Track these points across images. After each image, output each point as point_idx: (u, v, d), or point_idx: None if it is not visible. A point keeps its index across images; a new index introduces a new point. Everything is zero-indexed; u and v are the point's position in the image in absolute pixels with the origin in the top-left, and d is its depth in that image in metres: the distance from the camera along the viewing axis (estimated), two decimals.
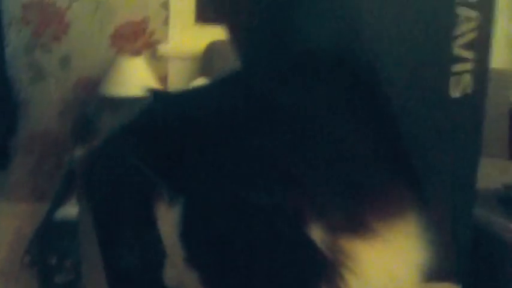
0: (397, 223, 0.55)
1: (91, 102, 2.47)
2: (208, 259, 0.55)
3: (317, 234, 0.52)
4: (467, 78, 0.62)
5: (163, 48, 2.48)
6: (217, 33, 2.48)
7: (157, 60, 2.48)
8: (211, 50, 2.41)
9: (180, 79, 2.48)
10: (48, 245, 1.43)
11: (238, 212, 0.53)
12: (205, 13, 2.61)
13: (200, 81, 2.26)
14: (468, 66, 0.62)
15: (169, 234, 0.57)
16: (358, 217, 0.54)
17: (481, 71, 0.63)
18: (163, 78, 2.48)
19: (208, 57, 2.42)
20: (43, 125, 2.51)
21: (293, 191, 0.53)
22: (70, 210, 1.57)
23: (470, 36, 0.61)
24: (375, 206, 0.55)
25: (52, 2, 2.40)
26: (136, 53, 2.45)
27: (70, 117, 2.49)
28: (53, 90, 2.48)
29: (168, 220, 0.56)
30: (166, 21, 2.47)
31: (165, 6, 2.45)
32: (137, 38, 2.47)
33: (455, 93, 0.62)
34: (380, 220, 0.54)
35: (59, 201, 1.68)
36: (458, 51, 0.61)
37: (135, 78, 2.26)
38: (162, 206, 0.57)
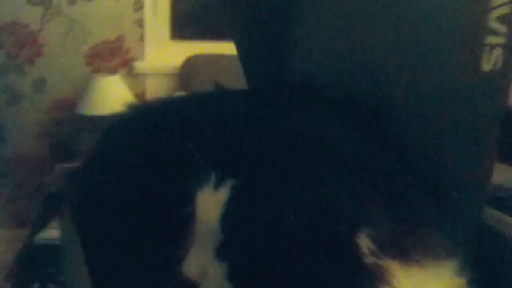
0: (432, 249, 0.54)
1: (68, 123, 2.45)
2: (245, 249, 0.52)
3: (365, 242, 0.50)
4: (498, 52, 0.62)
5: (140, 65, 2.47)
6: (193, 48, 2.50)
7: (134, 78, 2.48)
8: (189, 65, 2.42)
9: (158, 95, 2.47)
10: (30, 269, 1.40)
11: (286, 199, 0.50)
12: (181, 30, 2.62)
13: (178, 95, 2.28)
14: (500, 40, 0.62)
15: (208, 218, 0.53)
16: (403, 240, 0.52)
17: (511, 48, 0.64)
18: (141, 95, 2.47)
19: (186, 73, 2.43)
20: (20, 149, 2.48)
21: (347, 194, 0.51)
22: (51, 233, 1.55)
23: (505, 9, 0.62)
24: (417, 234, 0.54)
25: (25, 24, 2.38)
26: (113, 71, 2.44)
27: (47, 139, 2.47)
28: (29, 113, 2.46)
29: (210, 204, 0.53)
30: (141, 39, 2.47)
31: (140, 23, 2.45)
32: (113, 56, 2.46)
33: (486, 66, 0.62)
34: (420, 247, 0.53)
35: (39, 225, 1.64)
36: (492, 23, 0.61)
37: (112, 96, 2.25)
38: (205, 191, 0.54)
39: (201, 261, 0.54)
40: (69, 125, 2.45)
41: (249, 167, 0.53)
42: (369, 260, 0.50)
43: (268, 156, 0.53)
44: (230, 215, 0.52)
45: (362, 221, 0.50)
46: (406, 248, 0.52)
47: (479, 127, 0.65)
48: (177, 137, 0.65)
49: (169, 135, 0.68)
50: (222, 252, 0.54)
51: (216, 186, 0.54)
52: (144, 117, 0.83)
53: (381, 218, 0.51)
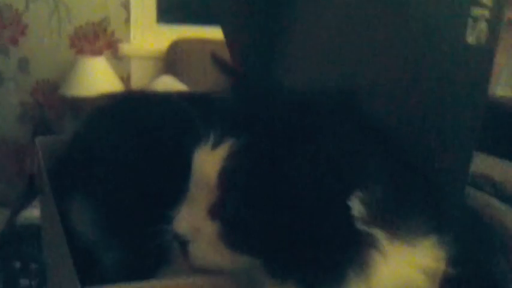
0: (416, 227, 0.55)
1: (51, 104, 2.44)
2: (240, 206, 0.52)
3: (357, 206, 0.50)
4: (483, 26, 0.62)
5: (125, 48, 2.46)
6: (179, 32, 2.48)
7: (119, 60, 2.46)
8: (175, 49, 2.40)
9: (142, 79, 2.47)
10: (11, 249, 1.39)
11: (286, 163, 0.50)
12: (167, 14, 2.60)
13: (165, 78, 2.27)
14: (486, 13, 0.62)
15: (204, 176, 0.53)
16: (391, 215, 0.53)
17: (496, 22, 0.63)
18: (125, 78, 2.46)
19: (171, 57, 2.41)
20: (3, 130, 2.46)
21: (346, 158, 0.51)
22: (33, 213, 1.54)
23: None
24: (404, 211, 0.55)
25: (8, 4, 2.35)
26: (97, 53, 2.42)
27: (30, 120, 2.45)
28: (12, 94, 2.43)
29: (208, 162, 0.53)
30: (127, 21, 2.44)
31: (126, 6, 2.43)
32: (97, 38, 2.44)
33: (471, 38, 0.62)
34: (405, 224, 0.54)
35: (21, 205, 1.64)
36: None
37: (96, 78, 2.24)
38: (203, 149, 0.54)
39: (193, 218, 0.54)
40: (53, 107, 2.44)
41: (249, 128, 0.53)
42: (360, 226, 0.51)
43: (269, 119, 0.53)
44: (227, 172, 0.52)
45: (357, 185, 0.51)
46: (394, 224, 0.53)
47: (464, 103, 0.64)
48: (176, 102, 0.67)
49: (168, 102, 0.71)
50: (216, 210, 0.54)
51: (215, 145, 0.54)
52: (140, 93, 0.85)
53: (375, 190, 0.52)
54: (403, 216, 0.54)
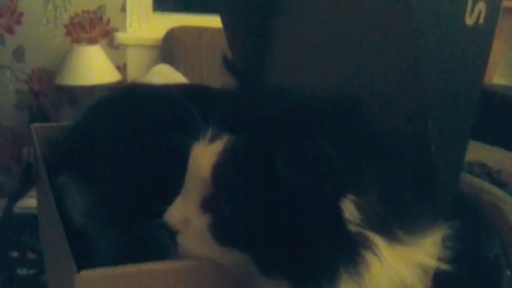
0: (414, 228, 0.55)
1: (47, 93, 2.42)
2: (232, 200, 0.52)
3: (349, 208, 0.51)
4: (482, 7, 0.61)
5: (121, 37, 2.45)
6: (175, 21, 2.47)
7: (115, 49, 2.45)
8: (171, 37, 2.39)
9: (139, 67, 2.46)
10: (9, 238, 1.39)
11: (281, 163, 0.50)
12: (164, 2, 2.59)
13: (161, 67, 2.26)
14: None
15: (199, 169, 0.54)
16: (387, 218, 0.53)
17: (495, 5, 0.62)
18: (121, 67, 2.45)
19: (167, 45, 2.40)
20: None
21: (340, 160, 0.50)
22: (30, 202, 1.54)
23: None
24: (401, 214, 0.54)
25: None
26: (93, 42, 2.41)
27: (26, 109, 2.44)
28: (8, 83, 2.42)
29: (204, 155, 0.54)
30: (123, 9, 2.43)
31: None
32: (93, 26, 2.42)
33: (469, 20, 0.61)
34: (403, 228, 0.54)
35: (18, 194, 1.64)
36: None
37: (92, 67, 2.23)
38: (200, 143, 0.55)
39: (185, 210, 0.55)
40: (49, 95, 2.43)
41: (246, 126, 0.53)
42: (353, 228, 0.51)
43: (266, 118, 0.53)
44: (221, 167, 0.52)
45: (350, 187, 0.51)
46: (389, 225, 0.53)
47: (461, 88, 0.63)
48: (175, 97, 0.68)
49: (168, 96, 0.71)
50: (208, 203, 0.54)
51: (212, 140, 0.54)
52: (141, 85, 0.86)
53: (369, 195, 0.52)
54: (399, 217, 0.54)
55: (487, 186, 0.85)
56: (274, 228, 0.51)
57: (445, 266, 0.55)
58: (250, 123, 0.54)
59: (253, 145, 0.52)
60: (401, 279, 0.53)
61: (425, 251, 0.55)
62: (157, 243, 0.58)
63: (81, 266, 0.50)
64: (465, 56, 0.62)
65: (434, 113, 0.62)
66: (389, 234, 0.53)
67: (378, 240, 0.52)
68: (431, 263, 0.55)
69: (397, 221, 0.54)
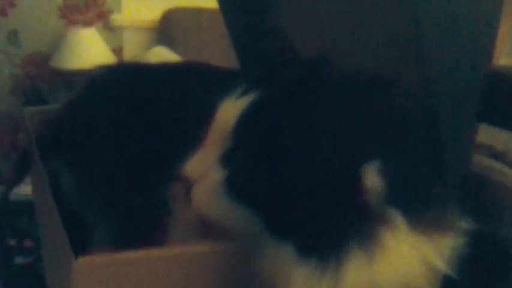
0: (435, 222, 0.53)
1: (43, 77, 2.40)
2: (251, 156, 0.52)
3: (372, 177, 0.48)
4: None
5: (117, 19, 2.43)
6: (172, 1, 2.44)
7: (110, 31, 2.43)
8: (169, 18, 2.38)
9: (135, 50, 2.45)
10: (6, 226, 1.38)
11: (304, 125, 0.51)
12: None
13: (158, 50, 2.24)
14: None
15: (224, 124, 0.54)
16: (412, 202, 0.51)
17: None
18: (117, 50, 2.43)
19: (164, 26, 2.39)
20: None
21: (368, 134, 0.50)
22: (26, 189, 1.52)
23: None
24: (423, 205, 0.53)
25: None
26: (88, 24, 2.38)
27: (22, 93, 2.42)
28: (3, 67, 2.40)
29: (230, 111, 0.54)
30: None
31: None
32: (88, 8, 2.40)
33: None
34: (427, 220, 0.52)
35: (14, 181, 1.62)
36: None
37: (87, 50, 2.22)
38: (229, 99, 0.55)
39: (203, 163, 0.55)
40: (44, 79, 2.41)
41: (275, 86, 0.54)
42: (372, 199, 0.48)
43: (295, 81, 0.53)
44: (244, 120, 0.53)
45: (375, 154, 0.49)
46: (412, 209, 0.51)
47: (468, 65, 0.62)
48: (170, 72, 0.70)
49: (162, 72, 0.72)
50: (227, 157, 0.54)
51: (239, 96, 0.55)
52: (133, 64, 0.85)
53: (393, 164, 0.50)
54: (421, 205, 0.52)
55: (498, 165, 0.83)
56: (288, 188, 0.50)
57: (455, 275, 0.52)
58: (278, 85, 0.54)
59: (278, 105, 0.52)
60: (410, 273, 0.50)
61: (443, 251, 0.52)
62: (153, 224, 0.58)
63: (78, 253, 0.49)
64: (471, 33, 0.61)
65: (439, 91, 0.60)
66: (412, 217, 0.50)
67: (399, 219, 0.49)
68: (443, 264, 0.52)
69: (420, 206, 0.52)
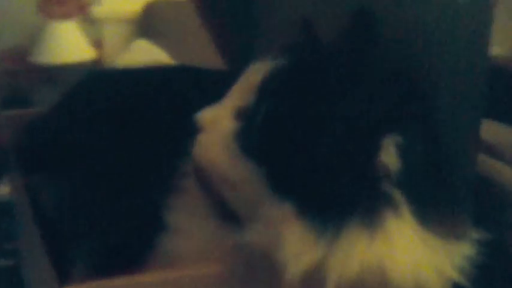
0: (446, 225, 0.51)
1: (21, 73, 2.37)
2: (267, 115, 0.52)
3: (390, 151, 0.47)
4: None
5: (97, 11, 2.41)
6: None
7: (90, 24, 2.41)
8: (151, 10, 2.37)
9: (116, 43, 2.43)
10: None
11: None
12: None
13: (140, 43, 2.24)
14: None
15: (248, 83, 0.55)
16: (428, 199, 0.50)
17: None
18: (98, 43, 2.41)
19: (147, 18, 2.38)
20: None
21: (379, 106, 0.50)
22: (2, 189, 1.49)
23: None
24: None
25: None
26: (67, 17, 2.35)
27: (0, 90, 2.36)
28: None
29: (256, 71, 0.55)
30: None
31: None
32: (67, 1, 2.37)
33: None
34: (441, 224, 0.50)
35: None
36: None
37: (67, 43, 2.21)
38: (258, 61, 0.56)
39: (219, 112, 0.55)
40: (23, 75, 2.37)
41: (303, 54, 0.54)
42: (384, 177, 0.47)
43: (323, 51, 0.54)
44: (268, 81, 0.53)
45: (397, 128, 0.48)
46: (427, 207, 0.49)
47: (466, 67, 0.62)
48: (155, 76, 0.69)
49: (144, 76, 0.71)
50: (243, 111, 0.54)
51: (270, 59, 0.55)
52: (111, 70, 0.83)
53: (414, 140, 0.49)
54: (431, 203, 0.50)
55: (499, 165, 0.83)
56: (300, 147, 0.50)
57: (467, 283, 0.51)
58: (304, 53, 0.54)
59: (302, 69, 0.53)
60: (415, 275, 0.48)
61: (452, 258, 0.50)
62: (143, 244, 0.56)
63: (63, 276, 0.47)
64: (464, 34, 0.61)
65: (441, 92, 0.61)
66: (421, 211, 0.49)
67: (405, 208, 0.48)
68: (453, 273, 0.50)
69: (435, 207, 0.50)
